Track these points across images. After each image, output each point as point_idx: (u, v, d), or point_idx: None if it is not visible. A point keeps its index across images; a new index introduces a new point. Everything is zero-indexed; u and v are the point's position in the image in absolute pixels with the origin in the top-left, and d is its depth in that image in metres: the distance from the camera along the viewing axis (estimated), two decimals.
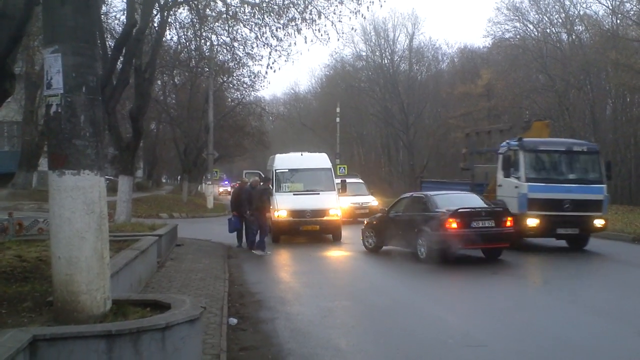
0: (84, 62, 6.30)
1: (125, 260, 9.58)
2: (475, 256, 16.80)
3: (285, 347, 8.25)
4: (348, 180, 31.25)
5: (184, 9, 23.29)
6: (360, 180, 33.70)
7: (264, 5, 19.44)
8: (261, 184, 20.12)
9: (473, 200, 17.47)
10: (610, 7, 44.08)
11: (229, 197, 23.64)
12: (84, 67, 6.30)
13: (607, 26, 44.39)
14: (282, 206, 20.76)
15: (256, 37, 20.99)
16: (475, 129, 33.21)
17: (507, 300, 11.73)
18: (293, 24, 19.08)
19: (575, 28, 48.64)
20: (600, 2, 45.15)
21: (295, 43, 44.47)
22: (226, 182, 72.96)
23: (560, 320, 9.74)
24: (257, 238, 18.97)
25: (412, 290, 12.94)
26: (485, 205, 17.05)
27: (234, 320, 9.56)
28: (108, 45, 19.96)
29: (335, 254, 19.08)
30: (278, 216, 20.64)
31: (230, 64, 35.19)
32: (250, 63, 32.53)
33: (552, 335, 8.73)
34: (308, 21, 18.82)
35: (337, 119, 54.53)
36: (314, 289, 12.85)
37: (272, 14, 19.46)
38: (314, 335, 8.84)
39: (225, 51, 29.60)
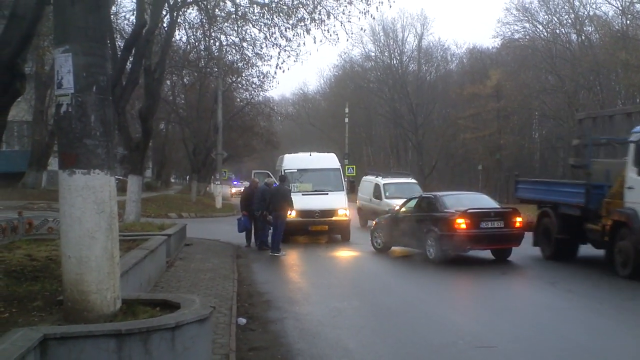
0: (95, 61, 6.32)
1: (135, 260, 9.60)
2: (484, 257, 16.75)
3: (294, 347, 8.24)
4: (399, 180, 27.96)
5: (193, 9, 23.36)
6: (413, 180, 28.76)
7: (273, 5, 19.46)
8: (275, 184, 20.04)
9: (483, 201, 17.43)
10: (620, 8, 44.01)
11: None
12: (95, 66, 6.31)
13: (617, 27, 44.28)
14: None
15: (265, 38, 21.01)
16: (591, 112, 25.26)
17: (517, 301, 11.71)
18: (302, 24, 19.09)
19: (585, 29, 48.54)
20: (610, 3, 45.10)
21: (304, 43, 44.29)
22: (236, 182, 71.98)
23: (570, 321, 9.70)
24: (269, 239, 18.94)
25: (421, 291, 12.91)
26: (495, 206, 16.99)
27: (243, 320, 9.56)
28: (118, 46, 20.01)
29: (344, 254, 19.06)
30: (288, 216, 20.57)
31: (239, 64, 35.27)
32: (259, 63, 32.53)
33: (562, 336, 8.69)
34: (317, 21, 18.83)
35: (346, 119, 54.59)
36: (322, 289, 12.85)
37: (281, 14, 19.46)
38: (323, 335, 8.83)
39: (234, 51, 29.61)
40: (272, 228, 18.55)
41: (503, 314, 10.34)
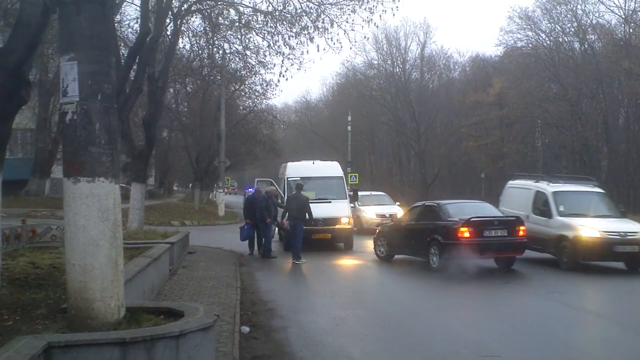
0: (100, 70, 6.34)
1: (138, 268, 9.58)
2: (487, 265, 16.71)
3: (297, 355, 8.22)
4: (577, 187, 18.91)
5: (196, 17, 23.44)
6: (599, 189, 18.98)
7: (277, 13, 19.50)
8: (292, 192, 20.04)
9: (486, 209, 17.38)
10: (623, 16, 44.01)
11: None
12: (100, 74, 6.33)
13: (619, 35, 44.31)
14: None
15: (269, 46, 21.03)
16: None
17: (520, 309, 11.66)
18: (306, 32, 19.14)
19: (587, 37, 48.56)
20: (612, 11, 45.14)
21: (307, 51, 44.36)
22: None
23: (574, 329, 9.68)
24: (268, 246, 19.18)
25: (424, 300, 12.89)
26: (499, 214, 16.95)
27: (246, 329, 9.54)
28: (122, 54, 20.04)
29: (347, 262, 19.04)
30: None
31: (242, 72, 35.35)
32: (262, 71, 32.50)
33: (567, 344, 8.66)
34: (320, 30, 18.87)
35: (349, 127, 54.54)
36: (326, 297, 12.82)
37: (284, 22, 19.52)
38: (327, 344, 8.81)
39: (237, 59, 29.80)
40: (293, 236, 18.54)
41: (507, 322, 10.31)
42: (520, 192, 19.57)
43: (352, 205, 27.22)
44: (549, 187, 18.17)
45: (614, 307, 11.83)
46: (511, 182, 20.84)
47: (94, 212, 6.21)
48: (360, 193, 29.84)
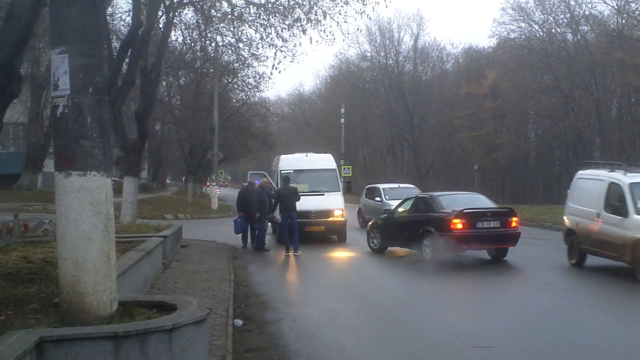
0: (91, 63, 6.31)
1: (131, 262, 9.56)
2: (481, 257, 16.76)
3: (291, 348, 8.23)
4: None
5: (189, 10, 23.39)
6: None
7: (269, 6, 19.47)
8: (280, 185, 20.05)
9: (479, 201, 17.42)
10: (616, 7, 44.10)
11: None
12: (91, 67, 6.30)
13: (612, 26, 44.43)
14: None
15: (261, 38, 21.05)
16: None
17: (514, 300, 11.71)
18: (298, 24, 19.12)
19: (580, 28, 48.68)
20: (605, 2, 45.17)
21: (300, 44, 44.56)
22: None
23: (567, 320, 9.71)
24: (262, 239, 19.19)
25: (417, 291, 12.91)
26: (492, 206, 16.98)
27: (239, 322, 9.54)
28: (113, 47, 19.96)
29: (341, 254, 19.06)
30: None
31: (235, 64, 35.34)
32: (255, 64, 32.47)
33: (560, 335, 8.68)
34: (313, 22, 18.86)
35: (342, 120, 54.54)
36: (319, 289, 12.84)
37: (277, 14, 19.48)
38: (320, 336, 8.83)
39: (230, 52, 29.86)
40: (290, 228, 18.46)
41: (500, 314, 10.35)
42: (591, 184, 15.45)
43: (378, 200, 27.09)
44: (625, 178, 14.02)
45: (606, 298, 11.87)
46: (581, 172, 16.54)
47: (85, 206, 6.19)
48: (387, 186, 29.16)
